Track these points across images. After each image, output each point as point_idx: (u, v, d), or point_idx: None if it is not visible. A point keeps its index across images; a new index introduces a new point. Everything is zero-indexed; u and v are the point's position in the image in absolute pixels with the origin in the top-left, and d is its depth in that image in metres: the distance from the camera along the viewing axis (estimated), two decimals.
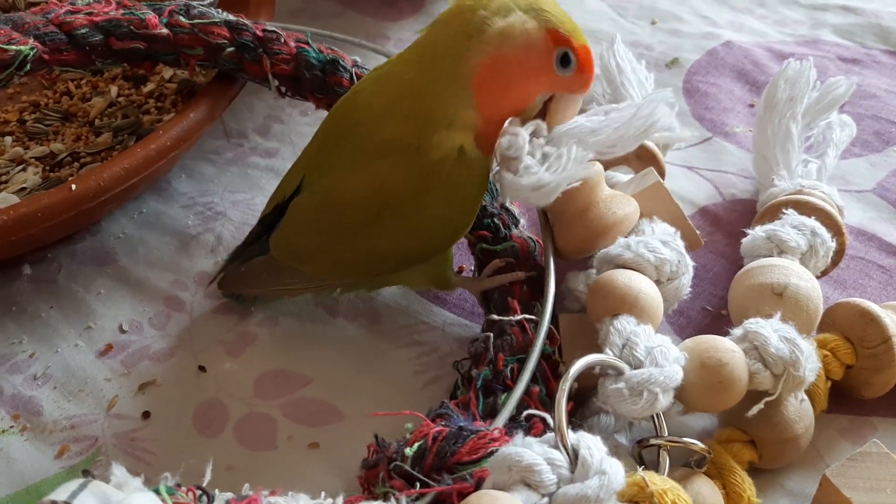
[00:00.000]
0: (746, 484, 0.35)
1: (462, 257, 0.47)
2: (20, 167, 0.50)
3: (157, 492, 0.29)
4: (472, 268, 0.44)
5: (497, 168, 0.38)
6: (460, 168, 0.36)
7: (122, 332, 0.44)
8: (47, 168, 0.50)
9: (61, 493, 0.28)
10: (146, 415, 0.40)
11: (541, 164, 0.36)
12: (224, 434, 0.40)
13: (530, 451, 0.30)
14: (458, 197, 0.37)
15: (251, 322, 0.44)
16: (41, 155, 0.51)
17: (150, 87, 0.55)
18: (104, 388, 0.42)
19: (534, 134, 0.37)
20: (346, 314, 0.44)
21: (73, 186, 0.41)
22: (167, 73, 0.57)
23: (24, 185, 0.49)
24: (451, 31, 0.37)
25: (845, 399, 0.39)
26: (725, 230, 0.47)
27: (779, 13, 0.64)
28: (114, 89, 0.55)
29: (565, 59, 0.37)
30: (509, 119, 0.37)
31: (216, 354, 0.43)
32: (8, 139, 0.53)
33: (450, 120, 0.36)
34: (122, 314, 0.45)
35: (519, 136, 0.36)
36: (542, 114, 0.38)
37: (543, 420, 0.33)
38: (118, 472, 0.29)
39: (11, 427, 0.41)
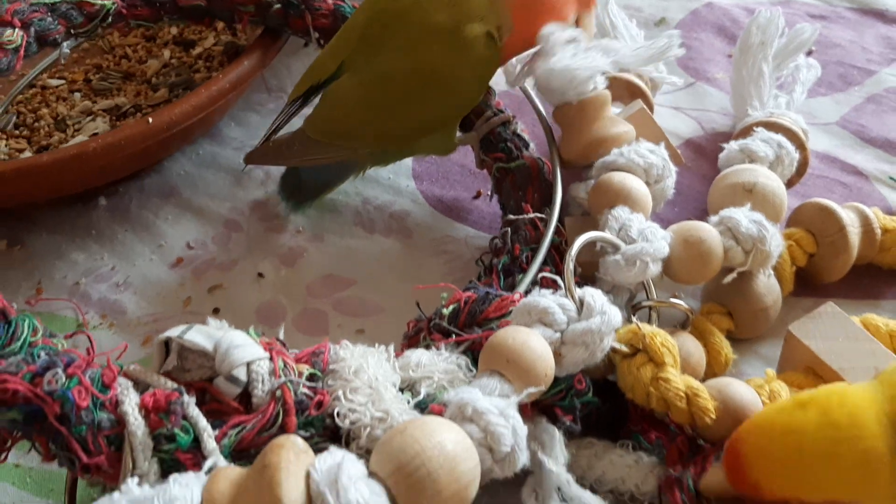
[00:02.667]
0: (724, 344, 0.42)
1: (478, 183, 0.54)
2: (90, 118, 0.58)
3: (247, 334, 0.36)
4: (490, 190, 0.51)
5: (533, 57, 0.46)
6: (485, 49, 0.44)
7: (190, 248, 0.51)
8: (114, 118, 0.58)
9: (173, 332, 0.35)
10: (216, 311, 0.48)
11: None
12: (284, 324, 0.47)
13: (545, 298, 0.37)
14: (478, 74, 0.45)
15: (300, 238, 0.51)
16: (107, 107, 0.59)
17: (198, 50, 0.63)
18: (178, 292, 0.49)
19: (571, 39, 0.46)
20: (382, 231, 0.52)
21: (150, 120, 0.48)
22: (209, 40, 0.64)
23: (95, 132, 0.56)
24: None
25: (809, 284, 0.46)
26: (707, 157, 0.55)
27: None
28: (166, 52, 0.63)
29: None
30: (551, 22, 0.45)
31: (272, 264, 0.50)
32: (77, 95, 0.60)
33: (483, 15, 0.44)
34: (189, 234, 0.52)
35: (558, 30, 0.45)
36: None
37: (554, 282, 0.40)
38: (213, 322, 0.36)
39: (100, 324, 0.48)
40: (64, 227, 0.53)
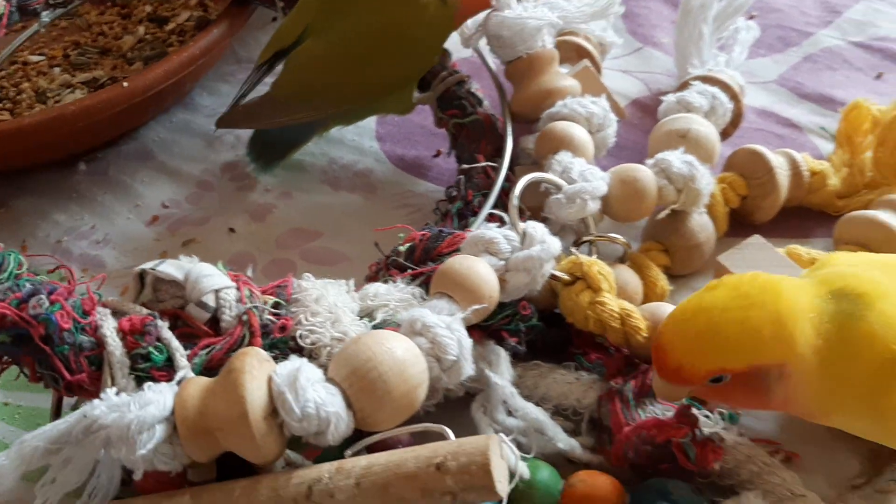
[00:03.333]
0: (660, 276, 0.45)
1: (438, 142, 0.57)
2: (69, 90, 0.61)
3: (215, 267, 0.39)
4: (448, 150, 0.54)
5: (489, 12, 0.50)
6: (439, 10, 0.48)
7: (165, 207, 0.54)
8: (92, 90, 0.61)
9: (147, 265, 0.38)
10: None
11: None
12: (255, 273, 0.50)
13: (491, 231, 0.40)
14: (434, 33, 0.49)
15: (270, 196, 0.55)
16: (86, 80, 0.61)
17: (171, 25, 0.66)
18: (154, 246, 0.52)
19: None
20: (347, 187, 0.55)
21: (126, 84, 0.51)
22: (184, 15, 0.67)
23: None
24: None
25: (742, 225, 0.49)
26: (652, 115, 0.57)
27: None
28: (141, 29, 0.66)
29: None
30: None
31: (243, 220, 0.53)
32: (56, 69, 0.63)
33: None
34: (164, 194, 0.55)
35: None
36: None
37: (501, 218, 0.43)
38: (184, 257, 0.39)
39: (81, 277, 0.51)
40: (46, 190, 0.56)
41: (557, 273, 0.41)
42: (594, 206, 0.44)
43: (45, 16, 0.51)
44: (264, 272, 0.50)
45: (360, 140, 0.58)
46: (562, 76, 0.51)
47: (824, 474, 0.38)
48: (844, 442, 0.39)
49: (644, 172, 0.45)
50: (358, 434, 0.34)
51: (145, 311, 0.37)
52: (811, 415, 0.35)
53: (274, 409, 0.32)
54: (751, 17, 0.65)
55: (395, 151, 0.57)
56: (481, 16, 0.51)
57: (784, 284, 0.33)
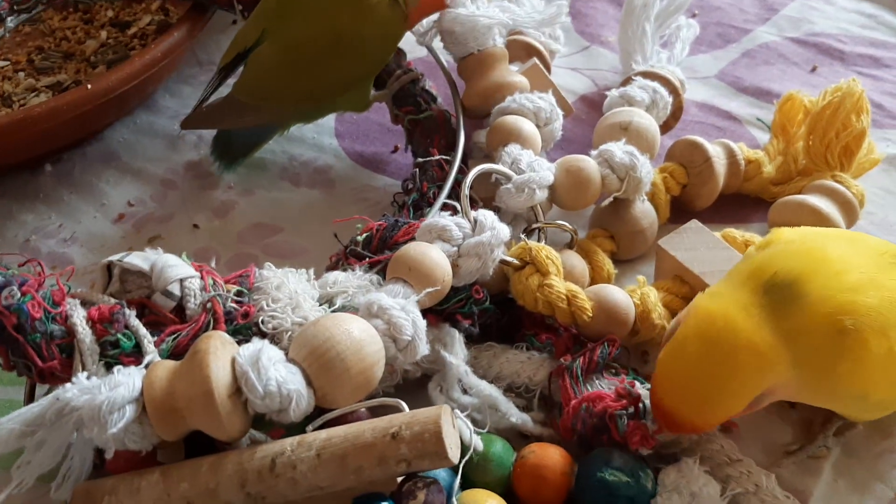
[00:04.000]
0: (606, 261, 0.48)
1: (395, 139, 0.59)
2: (34, 94, 0.62)
3: (180, 258, 0.41)
4: (405, 145, 0.56)
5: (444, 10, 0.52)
6: (389, 11, 0.50)
7: (130, 205, 0.56)
8: (56, 93, 0.62)
9: (114, 256, 0.40)
10: None
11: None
12: (218, 266, 0.51)
13: (444, 219, 0.42)
14: (385, 34, 0.51)
15: (231, 193, 0.56)
16: (50, 84, 0.63)
17: (133, 30, 0.67)
18: (120, 243, 0.53)
19: None
20: (307, 183, 0.57)
21: (89, 86, 0.52)
22: (145, 20, 0.68)
23: None
24: None
25: (683, 212, 0.52)
26: (599, 111, 0.60)
27: None
28: (103, 33, 0.67)
29: None
30: None
31: (206, 217, 0.55)
32: (21, 74, 0.64)
33: None
34: (129, 194, 0.57)
35: None
36: None
37: (454, 208, 0.46)
38: (149, 250, 0.41)
39: (50, 274, 0.52)
40: (13, 192, 0.57)
41: (507, 258, 0.43)
42: (542, 195, 0.46)
43: (10, 21, 0.52)
44: (227, 266, 0.52)
45: (319, 137, 0.60)
46: (511, 72, 0.53)
47: (760, 442, 0.41)
48: (778, 412, 0.42)
49: (588, 163, 0.47)
50: (319, 412, 0.36)
51: (113, 300, 0.39)
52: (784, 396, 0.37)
53: (238, 388, 0.34)
54: (692, 16, 0.69)
55: (354, 148, 0.59)
56: (435, 15, 0.54)
57: (731, 313, 0.35)
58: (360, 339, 0.36)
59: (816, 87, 0.61)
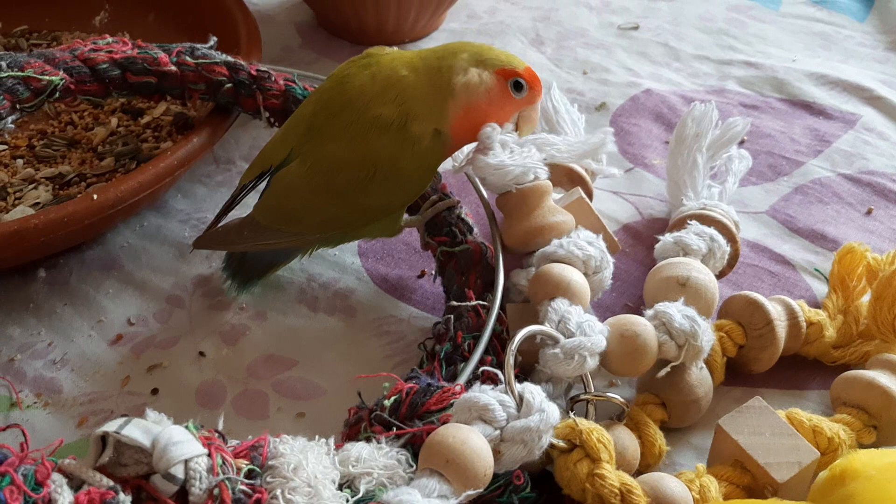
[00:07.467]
0: (658, 435, 0.43)
1: (423, 262, 0.55)
2: (32, 186, 0.57)
3: (186, 428, 0.36)
4: (434, 271, 0.52)
5: (473, 152, 0.48)
6: (431, 144, 0.46)
7: (130, 324, 0.51)
8: (57, 187, 0.57)
9: (110, 426, 0.35)
10: (155, 391, 0.47)
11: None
12: (223, 406, 0.46)
13: (486, 395, 0.37)
14: (423, 166, 0.47)
15: (243, 316, 0.51)
16: (51, 175, 0.58)
17: (146, 119, 0.63)
18: (116, 370, 0.48)
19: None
20: (326, 309, 0.52)
21: (95, 196, 0.48)
22: (160, 109, 0.64)
23: (37, 201, 0.55)
24: (433, 78, 0.47)
25: (739, 374, 0.48)
26: (644, 243, 0.56)
27: (692, 66, 0.75)
28: (114, 120, 0.63)
29: (517, 85, 0.48)
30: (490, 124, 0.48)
31: (214, 343, 0.50)
32: (19, 161, 0.59)
33: (428, 116, 0.46)
34: (129, 310, 0.52)
35: (495, 130, 0.48)
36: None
37: (495, 376, 0.41)
38: (152, 414, 0.36)
39: (35, 403, 0.47)
40: (0, 299, 0.52)
41: (554, 441, 0.38)
42: (593, 363, 0.41)
43: (10, 121, 0.48)
44: (235, 406, 0.47)
45: (341, 255, 0.55)
46: (555, 210, 0.48)
47: None
48: None
49: (644, 327, 0.43)
50: None
51: (106, 481, 0.33)
52: None
53: None
54: (741, 143, 0.65)
55: (378, 270, 0.55)
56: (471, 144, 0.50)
57: None
58: None
59: (873, 234, 0.57)
